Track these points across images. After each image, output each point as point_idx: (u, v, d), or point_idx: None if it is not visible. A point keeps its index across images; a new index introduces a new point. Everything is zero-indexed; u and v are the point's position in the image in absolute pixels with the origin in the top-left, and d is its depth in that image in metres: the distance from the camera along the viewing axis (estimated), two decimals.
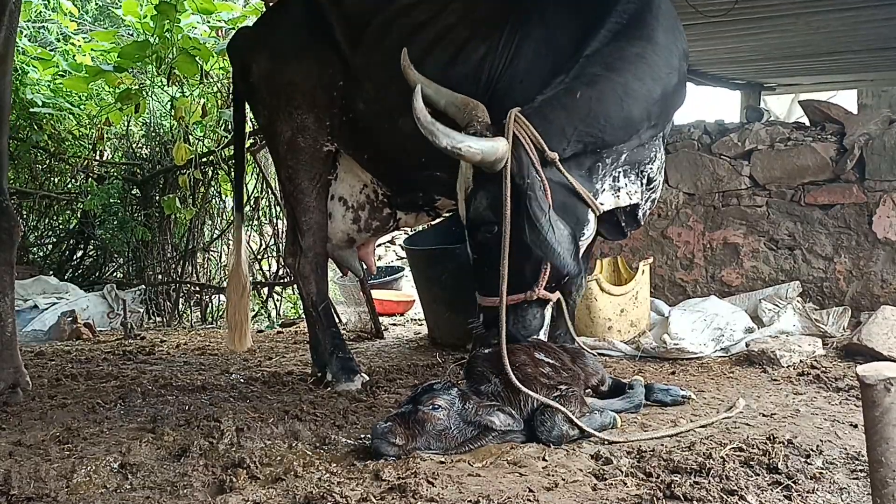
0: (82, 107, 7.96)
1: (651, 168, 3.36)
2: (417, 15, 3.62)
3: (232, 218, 7.72)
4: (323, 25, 3.86)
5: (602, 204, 3.16)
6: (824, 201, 5.05)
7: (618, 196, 3.25)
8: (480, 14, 3.52)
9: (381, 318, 6.50)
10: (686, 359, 4.45)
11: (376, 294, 7.33)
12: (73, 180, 8.31)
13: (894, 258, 4.83)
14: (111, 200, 7.61)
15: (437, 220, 4.85)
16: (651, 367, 4.37)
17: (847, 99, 10.27)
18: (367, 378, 4.02)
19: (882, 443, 1.34)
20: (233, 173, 6.94)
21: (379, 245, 10.73)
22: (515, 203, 2.80)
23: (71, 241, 8.29)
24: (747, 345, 4.45)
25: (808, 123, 5.47)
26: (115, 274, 8.10)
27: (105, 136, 7.85)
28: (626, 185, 3.26)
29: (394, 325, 6.90)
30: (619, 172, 3.21)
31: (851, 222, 4.97)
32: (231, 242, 4.56)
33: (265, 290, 7.49)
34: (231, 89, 4.51)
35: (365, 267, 4.46)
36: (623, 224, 3.43)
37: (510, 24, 3.34)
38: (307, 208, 4.06)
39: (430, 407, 2.72)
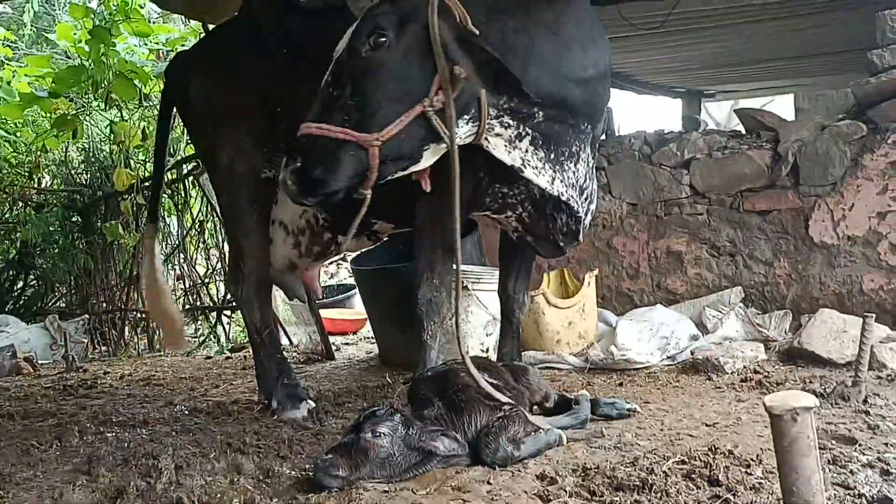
0: (18, 134, 7.77)
1: (570, 161, 3.17)
2: None
3: (177, 241, 7.66)
4: (265, 51, 3.83)
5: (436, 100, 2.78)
6: (762, 207, 5.15)
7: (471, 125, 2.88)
8: None
9: (334, 337, 6.44)
10: (634, 369, 4.49)
11: (329, 313, 7.28)
12: (11, 209, 8.09)
13: (831, 261, 4.95)
14: (51, 229, 7.43)
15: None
16: (600, 378, 4.40)
17: (784, 104, 10.53)
18: (314, 405, 3.96)
19: (791, 473, 1.36)
20: (177, 195, 6.87)
21: (331, 263, 10.66)
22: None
23: (10, 272, 8.06)
24: (692, 353, 4.51)
25: (743, 131, 5.58)
26: (57, 304, 7.90)
27: (42, 163, 7.66)
28: (498, 125, 2.94)
29: (346, 344, 6.85)
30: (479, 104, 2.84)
31: (789, 227, 5.07)
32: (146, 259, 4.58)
33: (213, 314, 7.36)
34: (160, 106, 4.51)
35: (309, 292, 4.41)
36: (561, 241, 3.43)
37: None
38: (247, 233, 4.01)
39: (372, 435, 2.69)
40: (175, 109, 4.40)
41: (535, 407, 3.31)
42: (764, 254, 5.15)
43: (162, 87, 4.45)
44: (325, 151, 2.73)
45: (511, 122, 2.98)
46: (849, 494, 2.41)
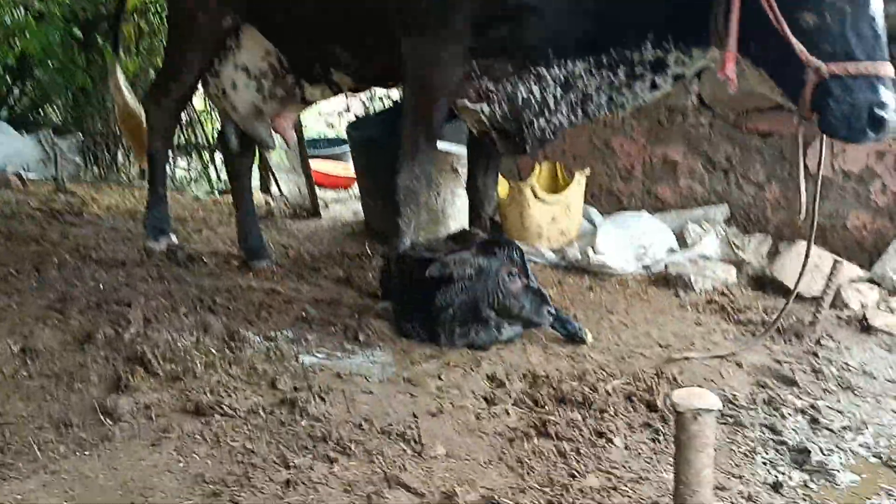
0: None
1: None
2: None
3: None
4: None
5: None
6: (764, 129, 5.05)
7: None
8: None
9: (324, 191, 6.44)
10: (607, 273, 4.56)
11: (323, 166, 7.28)
12: (11, 14, 7.84)
13: (821, 193, 4.93)
14: (51, 41, 7.24)
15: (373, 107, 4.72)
16: (572, 278, 4.47)
17: None
18: (175, 241, 4.23)
19: (685, 464, 1.45)
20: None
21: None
22: None
23: (7, 78, 7.93)
24: (666, 266, 4.57)
25: None
26: (52, 119, 7.83)
27: None
28: None
29: (336, 201, 6.86)
30: None
31: (787, 153, 5.02)
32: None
33: (206, 153, 7.34)
34: None
35: (279, 140, 4.49)
36: (528, 145, 3.42)
37: None
38: (189, 67, 4.05)
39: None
40: None
41: None
42: (757, 175, 5.12)
43: None
44: None
45: None
46: (772, 439, 2.54)
